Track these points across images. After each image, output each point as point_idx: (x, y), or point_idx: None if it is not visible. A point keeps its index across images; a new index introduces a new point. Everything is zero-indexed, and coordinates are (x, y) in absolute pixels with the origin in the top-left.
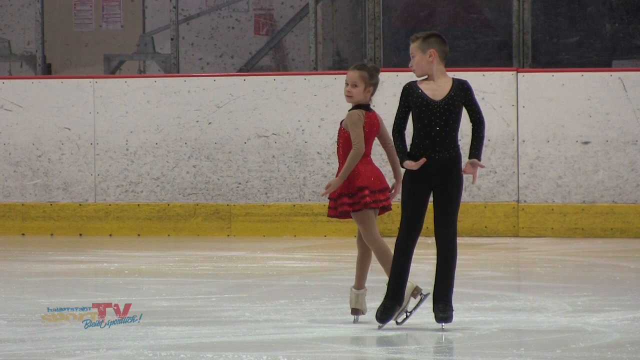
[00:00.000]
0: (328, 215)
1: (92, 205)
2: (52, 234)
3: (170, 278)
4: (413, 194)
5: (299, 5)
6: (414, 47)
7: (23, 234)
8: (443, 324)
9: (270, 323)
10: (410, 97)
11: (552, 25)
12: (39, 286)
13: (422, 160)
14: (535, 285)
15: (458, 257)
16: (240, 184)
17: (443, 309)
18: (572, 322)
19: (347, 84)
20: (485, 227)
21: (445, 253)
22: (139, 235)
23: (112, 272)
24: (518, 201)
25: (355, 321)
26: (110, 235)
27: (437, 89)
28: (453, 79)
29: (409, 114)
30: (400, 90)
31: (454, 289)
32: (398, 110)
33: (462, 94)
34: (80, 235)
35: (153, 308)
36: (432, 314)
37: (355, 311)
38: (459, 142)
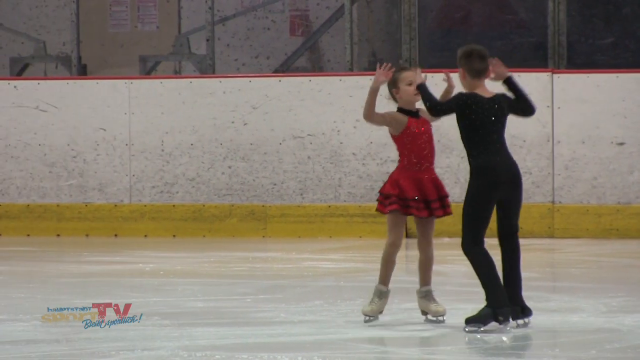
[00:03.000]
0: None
1: (127, 206)
2: (87, 235)
3: (206, 279)
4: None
5: (334, 6)
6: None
7: (58, 235)
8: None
9: (305, 324)
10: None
11: (588, 26)
12: (75, 287)
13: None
14: (570, 286)
15: (494, 258)
16: (275, 184)
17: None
18: (607, 323)
19: (409, 84)
20: (521, 228)
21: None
22: (174, 236)
23: (147, 273)
24: (553, 202)
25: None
26: (146, 236)
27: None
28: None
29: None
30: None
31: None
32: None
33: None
34: (116, 235)
35: (188, 309)
36: (464, 315)
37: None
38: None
